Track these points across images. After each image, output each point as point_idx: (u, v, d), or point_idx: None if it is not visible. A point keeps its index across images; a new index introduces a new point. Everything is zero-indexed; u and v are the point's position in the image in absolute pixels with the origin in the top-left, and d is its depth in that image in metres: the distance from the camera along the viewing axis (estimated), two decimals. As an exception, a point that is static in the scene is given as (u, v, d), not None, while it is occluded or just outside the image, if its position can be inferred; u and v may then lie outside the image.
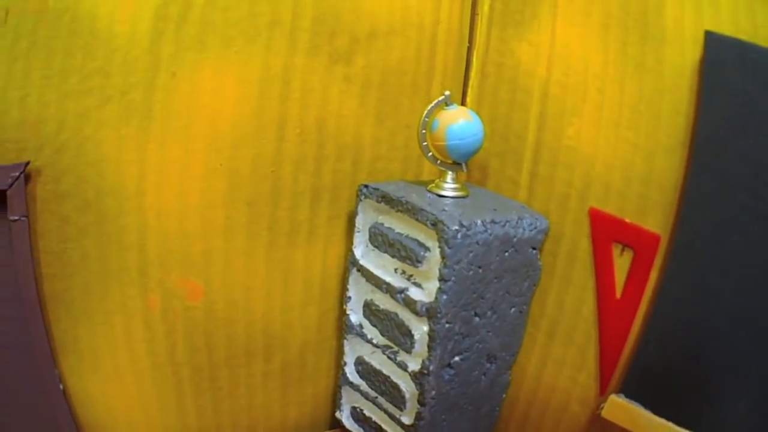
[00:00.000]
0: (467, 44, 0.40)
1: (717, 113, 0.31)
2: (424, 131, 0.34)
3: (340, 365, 0.41)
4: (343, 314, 0.39)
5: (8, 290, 0.33)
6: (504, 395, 0.41)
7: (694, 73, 0.31)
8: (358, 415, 0.41)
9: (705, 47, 0.30)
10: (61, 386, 0.36)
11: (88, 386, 0.36)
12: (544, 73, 0.37)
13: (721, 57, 0.30)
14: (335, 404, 0.43)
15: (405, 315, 0.35)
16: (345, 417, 0.42)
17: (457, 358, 0.34)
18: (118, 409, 0.37)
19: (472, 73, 0.40)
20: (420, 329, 0.33)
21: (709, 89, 0.31)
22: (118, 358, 0.36)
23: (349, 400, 0.41)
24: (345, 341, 0.39)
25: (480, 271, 0.32)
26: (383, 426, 0.39)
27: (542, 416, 0.41)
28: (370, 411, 0.40)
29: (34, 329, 0.35)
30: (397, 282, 0.34)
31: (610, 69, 0.34)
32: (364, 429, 0.41)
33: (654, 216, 0.33)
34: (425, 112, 0.34)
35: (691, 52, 0.31)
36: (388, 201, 0.34)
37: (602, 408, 0.35)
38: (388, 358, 0.36)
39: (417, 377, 0.34)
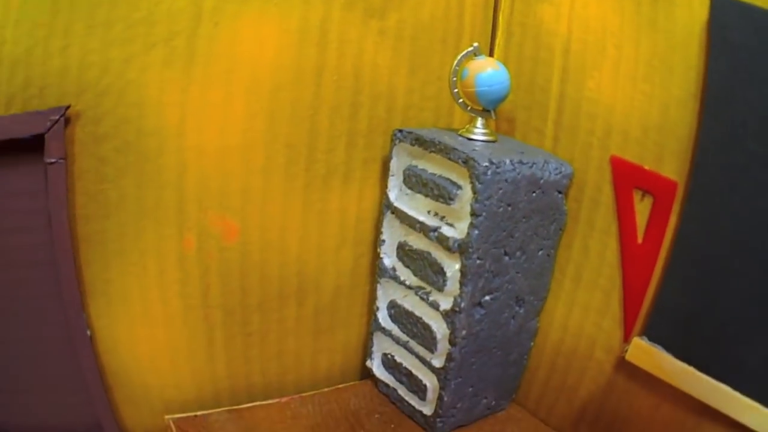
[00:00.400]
0: (493, 5, 0.44)
1: (724, 68, 0.35)
2: (455, 79, 0.38)
3: (371, 312, 0.44)
4: (376, 258, 0.42)
5: (39, 235, 0.37)
6: (532, 343, 0.44)
7: (702, 31, 0.35)
8: (388, 362, 0.44)
9: (711, 8, 0.34)
10: (89, 332, 0.38)
11: (115, 331, 0.39)
12: (565, 31, 0.41)
13: (726, 17, 0.34)
14: (366, 353, 0.45)
15: (437, 253, 0.38)
16: (375, 366, 0.45)
17: (487, 297, 0.37)
18: (145, 355, 0.40)
19: (499, 32, 0.44)
20: (452, 267, 0.37)
21: (717, 46, 0.35)
22: (149, 300, 0.39)
23: (380, 347, 0.44)
24: (378, 285, 0.42)
25: (509, 209, 0.36)
26: (413, 371, 0.42)
27: (568, 365, 0.44)
28: (400, 357, 0.43)
29: (65, 273, 0.38)
30: (430, 221, 0.38)
31: (626, 27, 0.38)
32: (394, 376, 0.44)
33: (671, 163, 0.37)
34: (456, 60, 0.38)
35: (699, 13, 0.35)
36: (422, 143, 0.37)
37: (626, 351, 0.38)
38: (421, 298, 0.39)
39: (448, 316, 0.37)
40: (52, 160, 0.35)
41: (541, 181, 0.37)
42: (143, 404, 0.41)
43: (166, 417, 0.42)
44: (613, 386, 0.42)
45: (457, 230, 0.37)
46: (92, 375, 0.40)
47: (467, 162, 0.35)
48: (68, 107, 0.34)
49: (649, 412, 0.41)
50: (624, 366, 0.41)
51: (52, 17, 0.32)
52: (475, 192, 0.34)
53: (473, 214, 0.35)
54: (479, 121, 0.39)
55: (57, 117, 0.35)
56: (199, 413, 0.43)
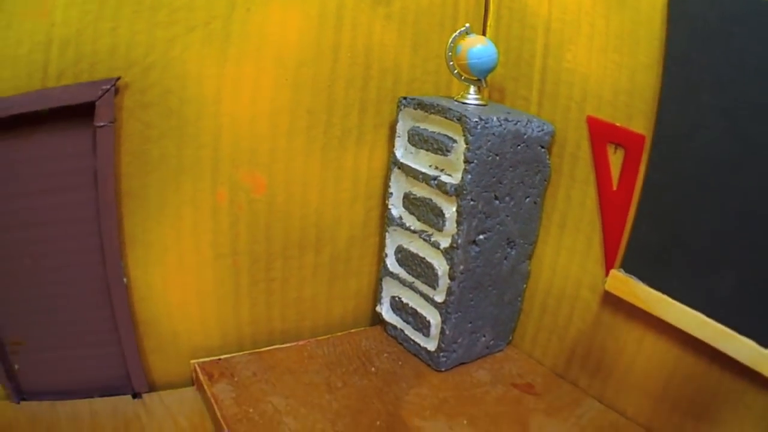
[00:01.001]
0: None
1: (682, 36, 0.44)
2: (450, 53, 0.47)
3: (381, 261, 0.54)
4: (385, 210, 0.52)
5: (83, 193, 0.46)
6: (524, 285, 0.52)
7: (664, 6, 0.45)
8: (396, 304, 0.52)
9: None
10: (125, 279, 0.47)
11: (150, 279, 0.48)
12: (546, 12, 0.51)
13: None
14: (375, 300, 0.54)
15: (437, 199, 0.47)
16: (384, 310, 0.53)
17: (481, 236, 0.46)
18: (176, 302, 0.50)
19: (490, 15, 0.55)
20: (450, 209, 0.46)
21: (676, 18, 0.44)
22: (183, 249, 0.49)
23: (388, 291, 0.53)
24: (387, 234, 0.52)
25: (497, 158, 0.45)
26: (418, 309, 0.50)
27: (558, 306, 0.52)
28: (407, 297, 0.51)
29: (107, 225, 0.47)
30: (431, 172, 0.48)
31: (598, 6, 0.48)
32: (401, 317, 0.52)
33: (639, 120, 0.46)
34: (451, 38, 0.48)
35: None
36: (423, 107, 0.47)
37: (606, 282, 0.45)
38: (424, 240, 0.48)
39: (448, 253, 0.46)
40: (102, 124, 0.45)
41: (525, 136, 0.46)
42: (171, 352, 0.51)
43: (192, 361, 0.50)
44: (600, 322, 0.50)
45: (453, 177, 0.47)
46: (125, 324, 0.50)
47: (461, 119, 0.44)
48: (118, 78, 0.44)
49: (634, 346, 0.49)
50: (608, 302, 0.49)
51: (101, 3, 0.42)
52: (467, 143, 0.44)
53: (466, 161, 0.44)
54: (472, 89, 0.49)
55: (108, 87, 0.45)
56: (222, 357, 0.51)
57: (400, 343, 0.54)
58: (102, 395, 0.51)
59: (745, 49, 0.40)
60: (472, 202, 0.46)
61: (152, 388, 0.50)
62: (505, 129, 0.46)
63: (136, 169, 0.45)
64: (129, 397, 0.50)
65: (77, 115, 0.45)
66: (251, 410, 0.46)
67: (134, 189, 0.45)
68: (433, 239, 0.48)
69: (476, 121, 0.44)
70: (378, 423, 0.45)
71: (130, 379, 0.50)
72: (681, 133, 0.45)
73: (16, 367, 0.49)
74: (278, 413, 0.45)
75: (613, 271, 0.47)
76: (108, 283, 0.48)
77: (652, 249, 0.46)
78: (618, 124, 0.48)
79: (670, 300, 0.45)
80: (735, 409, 0.44)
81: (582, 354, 0.53)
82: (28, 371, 0.50)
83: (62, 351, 0.49)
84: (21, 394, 0.50)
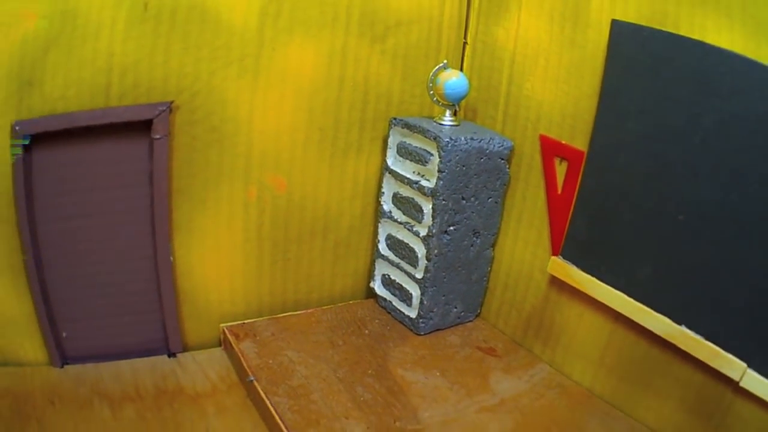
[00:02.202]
0: (464, 29, 0.74)
1: (615, 72, 0.66)
2: (431, 84, 0.67)
3: (374, 245, 0.79)
4: (378, 206, 0.75)
5: (140, 189, 0.70)
6: (489, 268, 0.74)
7: (605, 47, 0.63)
8: (386, 281, 0.75)
9: (611, 30, 0.62)
10: (171, 258, 0.70)
11: (192, 259, 0.73)
12: (512, 47, 0.71)
13: (621, 36, 0.64)
14: (370, 277, 0.77)
15: (418, 198, 0.71)
16: (377, 285, 0.76)
17: (451, 228, 0.67)
18: (211, 277, 0.75)
19: (468, 48, 0.76)
20: (427, 206, 0.68)
21: (612, 57, 0.64)
22: (219, 235, 0.74)
23: (380, 270, 0.77)
24: (379, 224, 0.77)
25: (464, 168, 0.66)
26: (403, 285, 0.73)
27: (516, 285, 0.73)
28: (394, 275, 0.74)
29: (160, 215, 0.71)
30: (413, 177, 0.69)
31: (554, 44, 0.68)
32: (390, 291, 0.75)
33: (579, 139, 0.66)
34: (431, 72, 0.69)
35: (605, 33, 0.63)
36: (409, 126, 0.69)
37: (548, 266, 0.65)
38: (408, 230, 0.71)
39: (425, 239, 0.67)
40: (158, 137, 0.68)
41: (487, 151, 0.67)
42: (203, 318, 0.76)
43: (221, 325, 0.72)
44: (548, 299, 0.70)
45: (430, 182, 0.70)
46: (168, 294, 0.74)
47: (436, 138, 0.65)
48: (172, 102, 0.66)
49: (576, 319, 0.69)
50: (554, 283, 0.70)
51: (154, 39, 0.65)
52: (440, 157, 0.66)
53: (439, 171, 0.66)
54: (448, 112, 0.70)
55: (164, 108, 0.68)
56: (246, 321, 0.73)
57: (389, 312, 0.78)
58: (140, 356, 0.72)
59: (667, 85, 0.61)
60: (443, 202, 0.68)
61: (185, 349, 0.75)
62: (471, 146, 0.67)
63: (184, 172, 0.70)
64: (165, 356, 0.74)
65: (137, 129, 0.67)
66: (270, 361, 0.69)
67: (182, 187, 0.70)
68: (414, 229, 0.73)
69: (447, 141, 0.66)
70: (369, 371, 0.68)
71: (167, 341, 0.75)
72: (609, 151, 0.65)
73: (64, 334, 0.70)
74: (292, 363, 0.68)
75: (553, 258, 0.68)
76: (157, 261, 0.71)
77: (584, 240, 0.69)
78: (563, 142, 0.68)
79: (598, 282, 0.66)
80: (663, 377, 0.64)
81: (535, 325, 0.73)
82: (75, 337, 0.71)
83: (110, 319, 0.71)
84: (65, 359, 0.69)
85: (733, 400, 0.59)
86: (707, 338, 0.61)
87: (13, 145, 0.60)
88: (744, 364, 0.57)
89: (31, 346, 0.66)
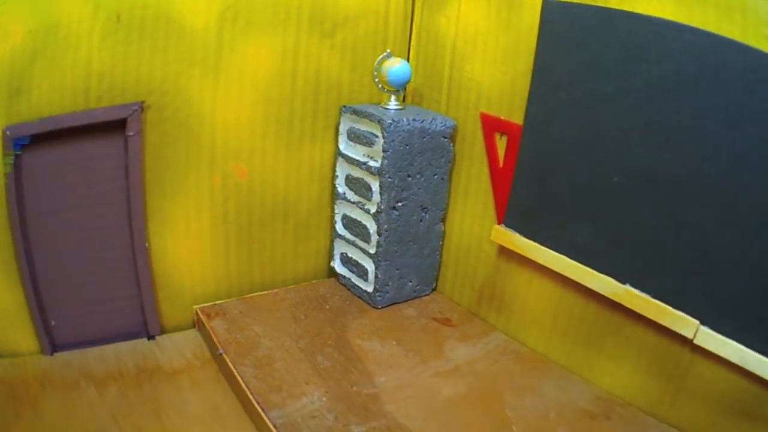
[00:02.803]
0: (410, 20, 0.82)
1: (547, 49, 0.74)
2: (376, 72, 0.77)
3: (332, 227, 0.87)
4: (333, 188, 0.83)
5: (116, 183, 0.85)
6: (441, 242, 0.82)
7: (538, 26, 0.69)
8: (344, 259, 0.85)
9: (542, 9, 0.69)
10: (147, 244, 0.80)
11: (165, 243, 0.86)
12: (453, 34, 0.80)
13: (551, 15, 0.74)
14: (330, 257, 0.84)
15: (367, 178, 0.81)
16: (337, 264, 0.86)
17: (399, 204, 0.76)
18: (183, 261, 0.89)
19: (413, 38, 0.86)
20: (375, 184, 0.78)
21: (543, 34, 0.72)
22: (189, 221, 0.88)
23: (338, 249, 0.87)
24: (335, 206, 0.89)
25: (407, 147, 0.76)
26: (359, 261, 0.83)
27: (467, 257, 0.81)
28: (351, 252, 0.84)
29: (135, 205, 0.86)
30: (363, 159, 0.78)
31: (491, 28, 0.77)
32: (348, 269, 0.84)
33: (517, 114, 0.75)
34: (376, 61, 0.78)
35: (538, 14, 0.69)
36: (357, 113, 0.78)
37: (491, 235, 0.71)
38: (360, 208, 0.80)
39: (375, 216, 0.77)
40: (132, 133, 0.80)
41: (429, 131, 0.76)
42: (178, 301, 0.88)
43: (194, 306, 0.81)
44: (498, 268, 0.78)
45: (377, 162, 0.78)
46: (145, 279, 0.87)
47: (380, 121, 0.75)
48: (143, 102, 0.77)
49: (525, 286, 0.77)
50: (502, 252, 0.79)
51: (126, 47, 0.79)
52: (384, 138, 0.73)
53: (384, 150, 0.75)
54: (393, 97, 0.81)
55: (136, 108, 0.80)
56: (216, 302, 0.82)
57: (349, 289, 0.90)
58: (123, 341, 0.84)
59: (596, 56, 0.71)
60: (389, 179, 0.78)
61: (163, 331, 0.87)
62: (413, 126, 0.77)
63: (156, 164, 0.83)
64: (145, 339, 0.85)
65: (113, 128, 0.79)
66: (238, 336, 0.79)
67: (155, 179, 0.81)
68: (365, 207, 0.85)
69: (390, 122, 0.75)
70: (329, 342, 0.76)
71: (146, 325, 0.87)
72: (544, 122, 0.73)
73: (53, 323, 0.82)
74: (258, 337, 0.78)
75: (496, 227, 0.75)
76: (134, 248, 0.81)
77: (525, 208, 0.79)
78: (502, 118, 0.76)
79: (541, 247, 0.73)
80: (616, 339, 0.70)
81: (488, 295, 0.80)
82: (63, 326, 0.83)
83: (94, 306, 0.84)
84: (54, 347, 0.81)
85: (692, 360, 0.65)
86: (654, 296, 0.68)
87: (5, 155, 0.70)
88: (696, 321, 0.62)
89: (23, 337, 0.77)
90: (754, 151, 0.56)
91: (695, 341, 0.61)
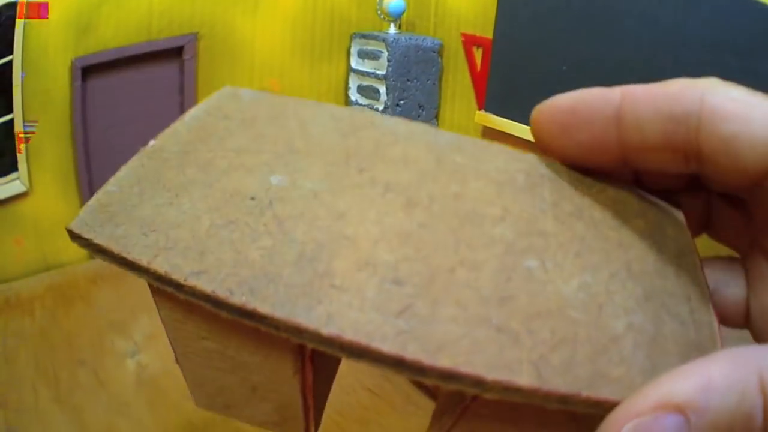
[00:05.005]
0: None
1: None
2: (378, 6, 1.10)
3: None
4: (347, 98, 1.15)
5: (172, 99, 1.09)
6: (434, 136, 1.11)
7: None
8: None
9: None
10: None
11: None
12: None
13: None
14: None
15: (375, 84, 1.12)
16: None
17: (401, 101, 1.08)
18: None
19: None
20: (382, 88, 1.09)
21: None
22: None
23: None
24: None
25: (406, 59, 1.10)
26: None
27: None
28: None
29: None
30: (371, 70, 1.12)
31: None
32: None
33: (488, 30, 1.08)
34: (378, -4, 1.10)
35: None
36: (365, 37, 1.15)
37: (475, 118, 1.05)
38: (369, 108, 1.08)
39: (383, 111, 1.06)
40: (188, 57, 1.09)
41: (422, 47, 1.10)
42: None
43: None
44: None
45: (383, 71, 1.08)
46: None
47: (384, 40, 1.07)
48: (197, 33, 1.08)
49: None
50: (486, 135, 1.08)
51: None
52: (388, 52, 1.05)
53: (388, 61, 1.07)
54: (392, 26, 1.12)
55: (192, 38, 1.09)
56: None
57: None
58: None
59: None
60: (393, 83, 1.09)
61: None
62: (409, 44, 1.09)
63: (206, 82, 1.09)
64: None
65: (171, 55, 1.09)
66: None
67: (204, 95, 1.06)
68: (375, 107, 1.12)
69: (392, 40, 1.08)
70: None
71: None
72: (508, 33, 1.06)
73: None
74: None
75: (478, 112, 1.07)
76: None
77: (499, 97, 1.09)
78: (478, 35, 1.10)
79: (516, 123, 1.04)
80: None
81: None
82: None
83: None
84: None
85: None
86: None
87: (75, 80, 1.03)
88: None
89: (75, 248, 1.03)
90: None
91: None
